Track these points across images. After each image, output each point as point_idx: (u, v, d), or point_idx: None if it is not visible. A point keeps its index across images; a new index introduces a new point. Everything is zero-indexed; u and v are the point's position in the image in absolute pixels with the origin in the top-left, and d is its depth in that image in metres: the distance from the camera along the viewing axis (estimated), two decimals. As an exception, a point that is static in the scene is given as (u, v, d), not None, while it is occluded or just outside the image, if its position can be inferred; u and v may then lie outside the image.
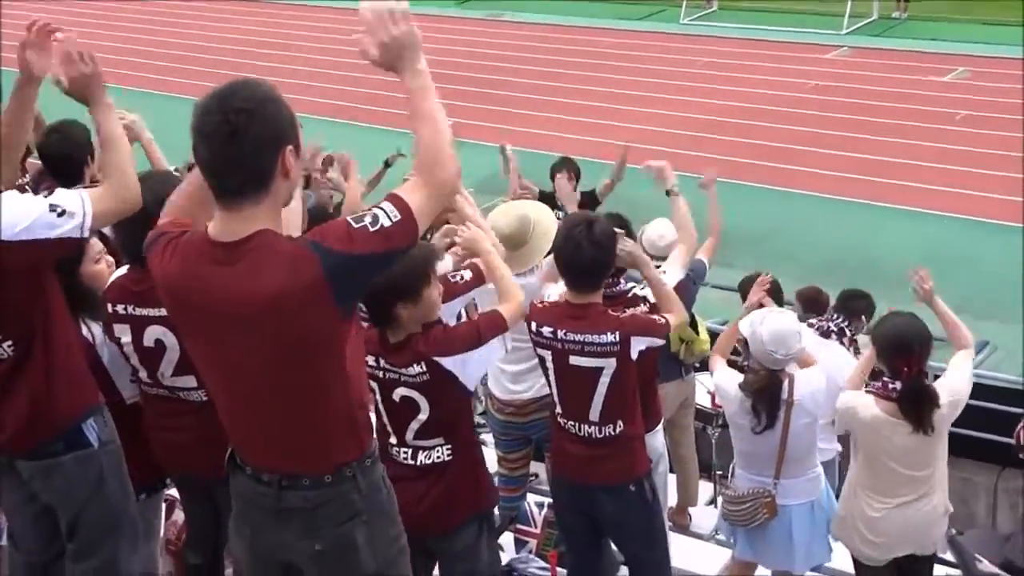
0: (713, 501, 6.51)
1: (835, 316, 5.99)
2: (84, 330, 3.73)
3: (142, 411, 3.84)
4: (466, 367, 3.53)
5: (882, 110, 15.42)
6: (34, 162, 5.52)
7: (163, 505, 4.41)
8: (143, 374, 3.73)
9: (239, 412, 2.76)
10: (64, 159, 5.14)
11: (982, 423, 6.52)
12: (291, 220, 3.06)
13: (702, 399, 6.51)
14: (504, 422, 5.10)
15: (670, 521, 5.37)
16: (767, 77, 17.38)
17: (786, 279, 6.41)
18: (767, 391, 4.48)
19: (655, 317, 4.13)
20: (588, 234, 3.98)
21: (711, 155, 12.73)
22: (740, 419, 4.59)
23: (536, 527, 5.26)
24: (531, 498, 5.39)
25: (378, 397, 3.66)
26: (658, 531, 4.39)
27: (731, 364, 4.95)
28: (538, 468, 5.67)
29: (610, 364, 4.02)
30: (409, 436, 3.65)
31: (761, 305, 4.92)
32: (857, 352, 5.96)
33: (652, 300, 4.34)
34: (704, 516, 6.38)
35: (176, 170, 4.70)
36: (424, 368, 3.51)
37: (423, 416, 3.59)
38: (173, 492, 4.42)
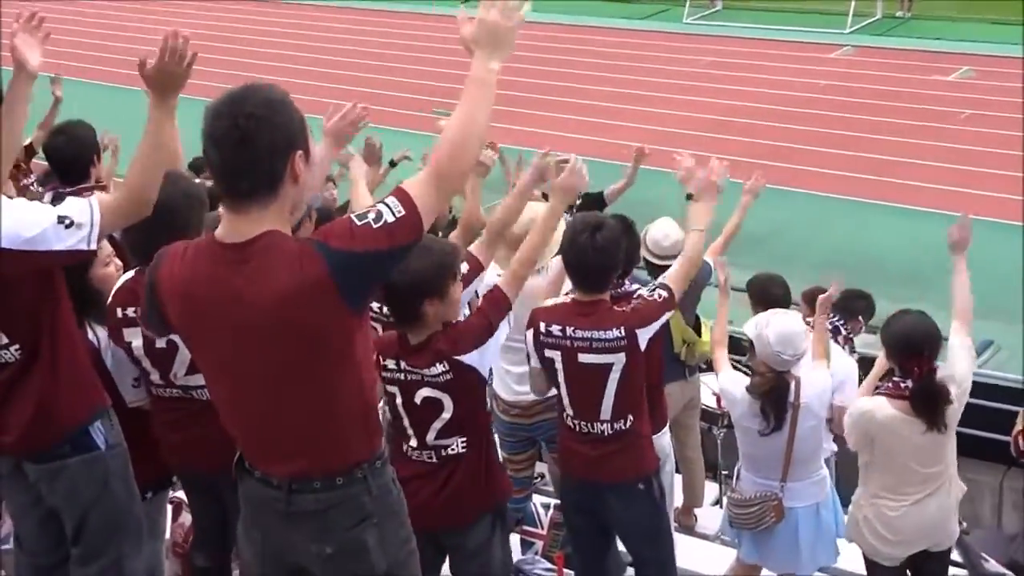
0: (719, 501, 6.50)
1: (832, 315, 6.00)
2: (89, 333, 3.73)
3: (152, 414, 3.83)
4: (484, 357, 3.59)
5: (886, 109, 15.41)
6: (40, 163, 5.54)
7: (169, 506, 4.41)
8: (155, 376, 3.72)
9: (251, 415, 2.76)
10: (70, 160, 5.15)
11: (987, 423, 6.51)
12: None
13: (707, 399, 6.50)
14: (509, 423, 5.10)
15: (675, 522, 5.37)
16: (771, 77, 17.37)
17: (791, 278, 6.40)
18: (775, 393, 4.48)
19: (655, 297, 4.11)
20: (592, 239, 4.00)
21: (714, 155, 12.69)
22: (746, 422, 4.59)
23: (542, 528, 5.26)
24: (537, 499, 5.39)
25: (399, 400, 3.67)
26: (664, 531, 4.41)
27: (734, 365, 4.94)
28: (540, 468, 5.67)
29: (619, 359, 4.04)
30: (431, 436, 3.66)
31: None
32: (853, 351, 5.97)
33: (646, 293, 4.27)
34: (710, 516, 6.37)
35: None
36: (447, 367, 3.54)
37: (447, 415, 3.61)
38: (181, 494, 4.42)
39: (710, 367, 5.58)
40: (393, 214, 2.52)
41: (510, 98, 16.96)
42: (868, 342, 6.37)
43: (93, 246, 3.15)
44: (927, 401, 4.30)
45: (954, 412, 4.36)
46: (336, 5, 24.14)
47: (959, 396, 4.37)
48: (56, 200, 3.38)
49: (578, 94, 17.11)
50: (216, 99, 2.57)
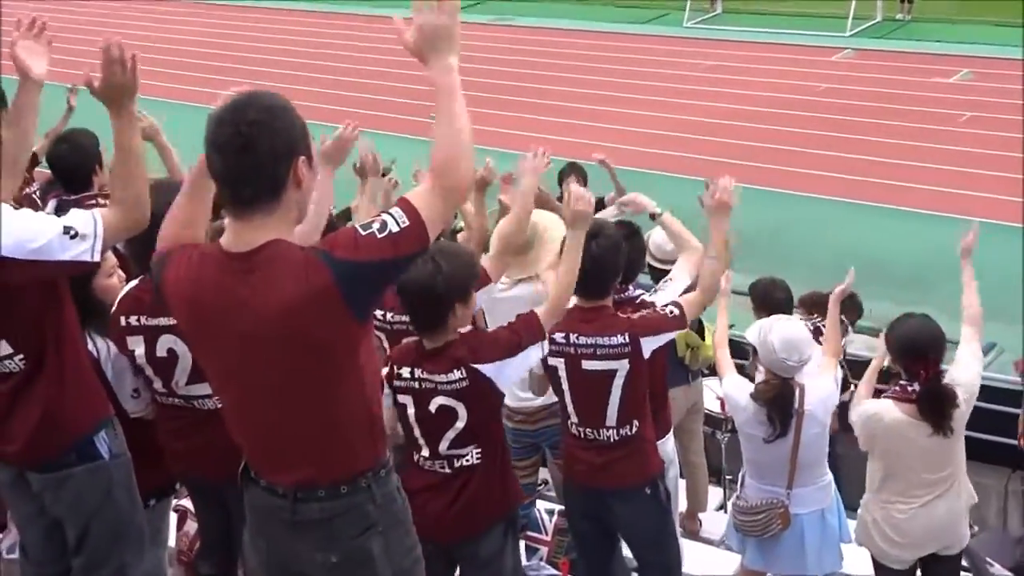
0: (723, 506, 6.50)
1: (814, 316, 6.00)
2: (90, 344, 3.72)
3: (155, 422, 3.83)
4: (502, 372, 3.57)
5: (886, 112, 15.41)
6: (43, 171, 5.54)
7: (174, 514, 4.41)
8: (157, 384, 3.72)
9: (256, 424, 2.76)
10: (73, 168, 5.16)
11: (991, 426, 6.51)
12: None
13: (711, 404, 6.50)
14: (514, 429, 5.08)
15: (680, 527, 5.36)
16: (771, 80, 17.38)
17: (791, 282, 6.40)
18: (780, 399, 4.47)
19: (666, 313, 4.11)
20: (588, 247, 3.99)
21: (714, 158, 12.74)
22: (751, 428, 4.57)
23: (547, 534, 5.24)
24: (541, 505, 5.38)
25: (411, 411, 3.65)
26: (670, 535, 4.41)
27: (737, 370, 4.93)
28: (543, 474, 5.66)
29: (623, 366, 4.03)
30: (443, 446, 3.65)
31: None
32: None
33: (658, 305, 4.29)
34: (714, 521, 6.36)
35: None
36: (463, 374, 3.53)
37: (460, 424, 3.60)
38: (186, 502, 4.41)
39: (713, 371, 5.58)
40: (398, 224, 2.52)
41: (510, 103, 17.03)
42: (871, 344, 6.37)
43: (97, 257, 3.15)
44: (934, 404, 4.31)
45: (961, 415, 4.36)
46: (328, 11, 24.13)
47: (967, 400, 4.37)
48: (60, 210, 3.39)
49: (577, 98, 17.10)
50: (219, 107, 2.59)
